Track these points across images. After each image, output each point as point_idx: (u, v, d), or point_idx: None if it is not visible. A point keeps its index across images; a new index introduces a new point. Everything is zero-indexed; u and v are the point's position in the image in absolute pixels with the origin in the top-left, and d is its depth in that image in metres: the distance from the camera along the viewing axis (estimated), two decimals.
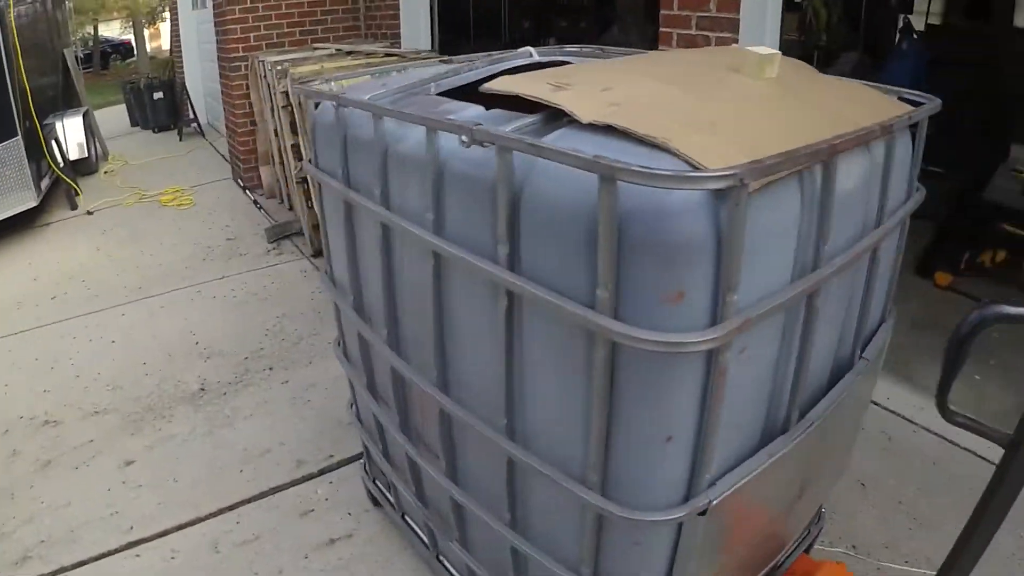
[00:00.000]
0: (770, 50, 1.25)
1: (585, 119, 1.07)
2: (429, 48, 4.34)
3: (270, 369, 2.97)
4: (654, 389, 1.04)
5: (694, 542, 1.18)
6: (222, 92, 5.19)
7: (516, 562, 1.43)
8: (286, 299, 3.61)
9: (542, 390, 1.18)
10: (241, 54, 4.46)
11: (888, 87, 1.48)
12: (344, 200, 1.58)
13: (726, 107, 1.16)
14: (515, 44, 1.84)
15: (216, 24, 4.70)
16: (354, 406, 2.06)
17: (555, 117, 1.15)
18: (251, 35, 4.38)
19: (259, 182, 4.95)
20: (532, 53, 1.77)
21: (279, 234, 4.21)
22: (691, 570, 1.20)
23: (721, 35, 2.49)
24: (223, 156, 6.26)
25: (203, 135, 7.67)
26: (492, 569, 1.54)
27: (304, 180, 3.89)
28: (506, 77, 1.27)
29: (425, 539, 1.85)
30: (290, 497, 2.23)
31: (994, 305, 0.94)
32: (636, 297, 0.98)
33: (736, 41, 2.48)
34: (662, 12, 2.68)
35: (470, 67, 1.69)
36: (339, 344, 1.97)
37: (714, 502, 1.11)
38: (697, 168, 0.92)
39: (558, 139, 1.08)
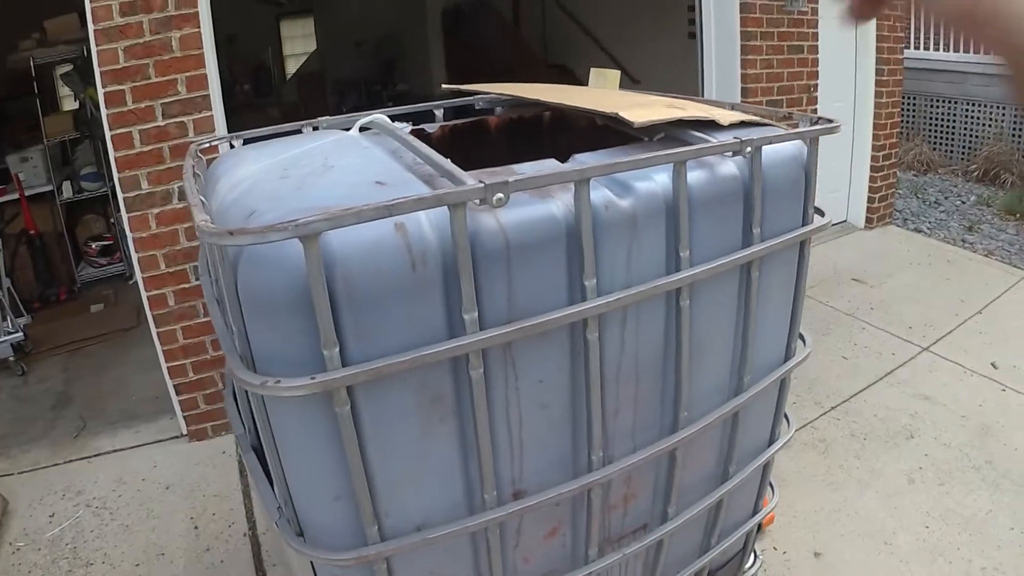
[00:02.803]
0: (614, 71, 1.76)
1: (725, 123, 1.44)
2: None
3: None
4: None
5: None
6: None
7: (717, 512, 1.68)
8: None
9: (770, 317, 1.54)
10: None
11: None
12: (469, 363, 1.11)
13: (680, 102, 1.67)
14: None
15: None
16: None
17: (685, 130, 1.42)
18: None
19: None
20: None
21: None
22: None
23: (199, 116, 2.21)
24: None
25: None
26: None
27: None
28: (633, 111, 1.32)
29: None
30: None
31: None
32: None
33: (212, 117, 2.26)
34: (108, 111, 2.06)
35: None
36: None
37: None
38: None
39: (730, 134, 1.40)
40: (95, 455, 3.09)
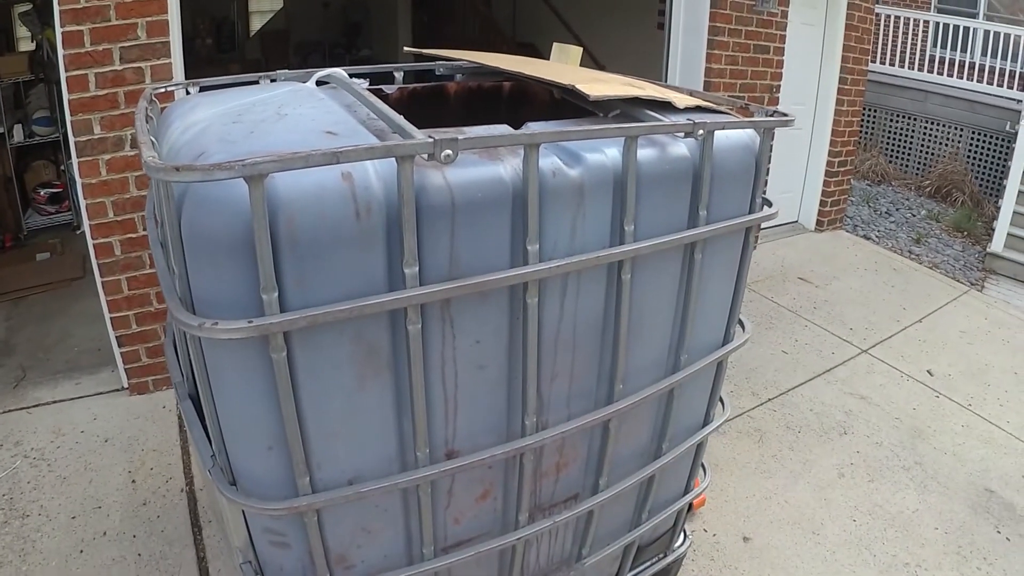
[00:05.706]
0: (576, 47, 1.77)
1: (681, 105, 1.47)
2: None
3: None
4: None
5: None
6: None
7: (649, 489, 1.73)
8: None
9: (711, 300, 1.58)
10: None
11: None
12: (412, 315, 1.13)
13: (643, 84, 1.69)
14: None
15: None
16: None
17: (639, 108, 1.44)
18: None
19: None
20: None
21: None
22: None
23: (157, 62, 2.16)
24: None
25: None
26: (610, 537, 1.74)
27: None
28: (591, 85, 1.33)
29: None
30: None
31: None
32: None
33: (171, 64, 2.21)
34: (65, 51, 1.99)
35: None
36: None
37: None
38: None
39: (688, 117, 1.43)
40: (34, 405, 3.02)
